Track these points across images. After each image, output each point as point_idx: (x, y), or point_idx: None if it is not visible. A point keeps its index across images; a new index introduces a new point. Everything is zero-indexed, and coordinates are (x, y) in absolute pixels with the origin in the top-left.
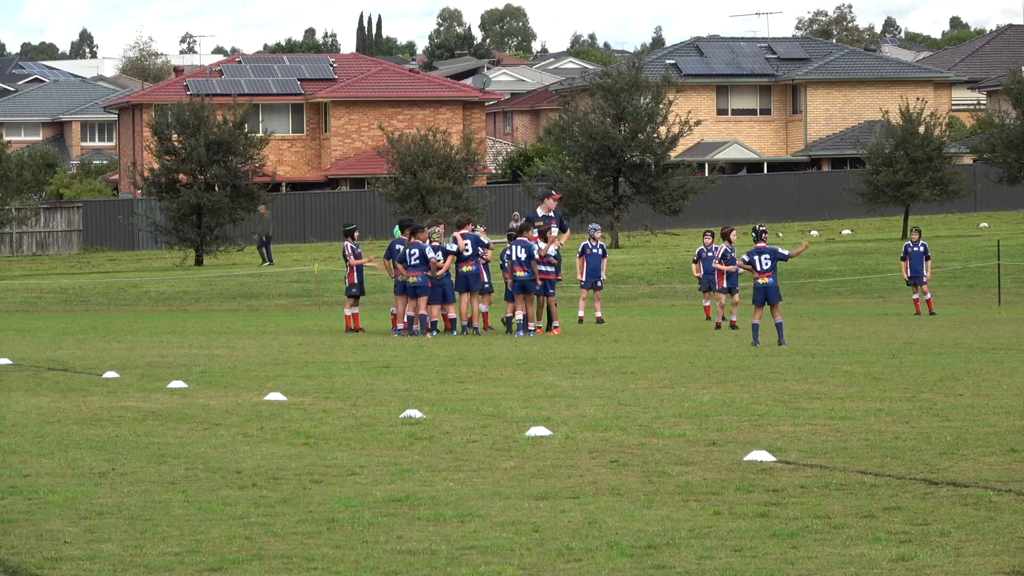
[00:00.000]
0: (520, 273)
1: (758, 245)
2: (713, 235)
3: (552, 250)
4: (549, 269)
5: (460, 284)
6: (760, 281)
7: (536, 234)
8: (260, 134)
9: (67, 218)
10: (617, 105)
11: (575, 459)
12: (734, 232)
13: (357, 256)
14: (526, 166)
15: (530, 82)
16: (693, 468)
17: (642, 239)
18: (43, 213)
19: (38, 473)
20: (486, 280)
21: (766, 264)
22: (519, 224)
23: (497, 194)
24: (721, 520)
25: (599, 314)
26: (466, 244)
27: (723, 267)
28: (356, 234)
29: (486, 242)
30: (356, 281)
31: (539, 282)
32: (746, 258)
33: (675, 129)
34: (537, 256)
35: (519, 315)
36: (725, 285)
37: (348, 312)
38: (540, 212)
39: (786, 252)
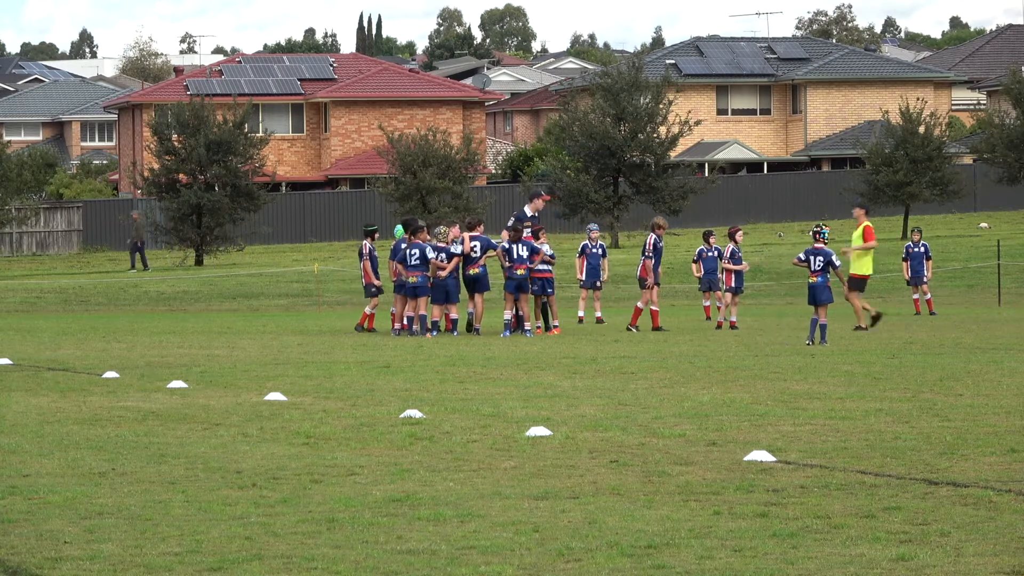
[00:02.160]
0: (520, 271)
1: (816, 245)
2: (715, 235)
3: (547, 248)
4: (547, 268)
5: (469, 286)
6: (810, 280)
7: (529, 234)
8: (260, 134)
9: (67, 218)
10: (617, 105)
11: (575, 459)
12: (740, 232)
13: (372, 258)
14: (526, 166)
15: (530, 82)
16: (693, 468)
17: (642, 239)
18: (43, 213)
19: (38, 473)
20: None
21: (818, 265)
22: (511, 225)
23: (497, 194)
24: (721, 520)
25: (599, 314)
26: (473, 246)
27: (732, 267)
28: (376, 235)
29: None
30: (374, 280)
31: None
32: (802, 256)
33: (675, 129)
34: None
35: (507, 315)
36: (733, 284)
37: (369, 310)
38: (529, 212)
39: (838, 263)
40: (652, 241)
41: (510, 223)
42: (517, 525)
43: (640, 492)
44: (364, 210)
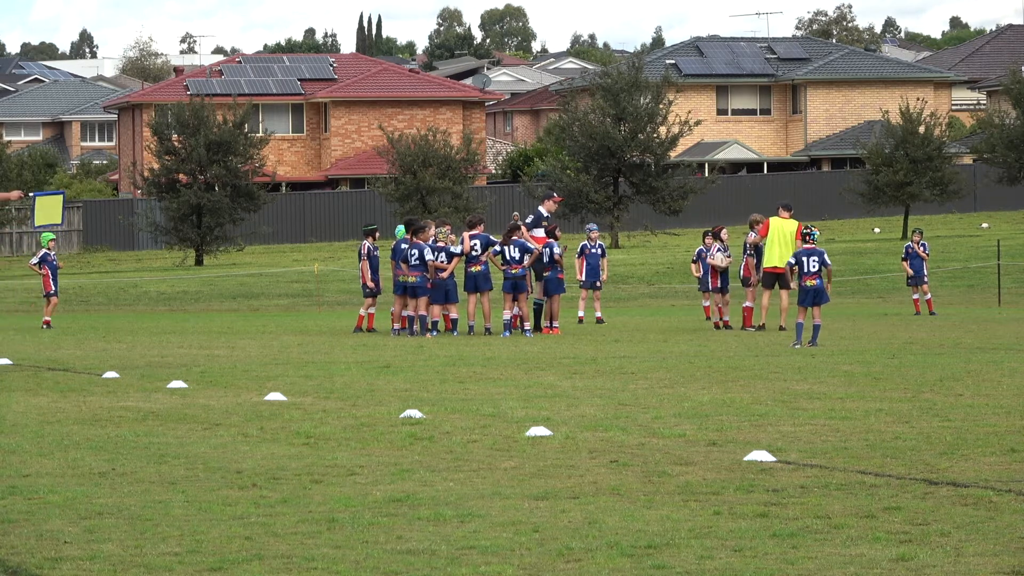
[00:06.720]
0: (515, 271)
1: (806, 247)
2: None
3: (558, 249)
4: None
5: (469, 285)
6: (807, 283)
7: (540, 234)
8: (260, 134)
9: (67, 218)
10: (617, 105)
11: (575, 459)
12: (724, 231)
13: (372, 258)
14: (526, 166)
15: (530, 82)
16: (693, 468)
17: (642, 239)
18: None
19: (38, 473)
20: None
21: (813, 267)
22: (512, 224)
23: (497, 194)
24: (721, 520)
25: (599, 314)
26: (473, 245)
27: (719, 263)
28: (376, 234)
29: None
30: (368, 281)
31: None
32: (792, 260)
33: (675, 129)
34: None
35: (506, 315)
36: (718, 285)
37: (363, 312)
38: (544, 212)
39: (830, 263)
40: (753, 239)
41: (529, 219)
42: (517, 525)
43: (640, 492)
44: (364, 210)
